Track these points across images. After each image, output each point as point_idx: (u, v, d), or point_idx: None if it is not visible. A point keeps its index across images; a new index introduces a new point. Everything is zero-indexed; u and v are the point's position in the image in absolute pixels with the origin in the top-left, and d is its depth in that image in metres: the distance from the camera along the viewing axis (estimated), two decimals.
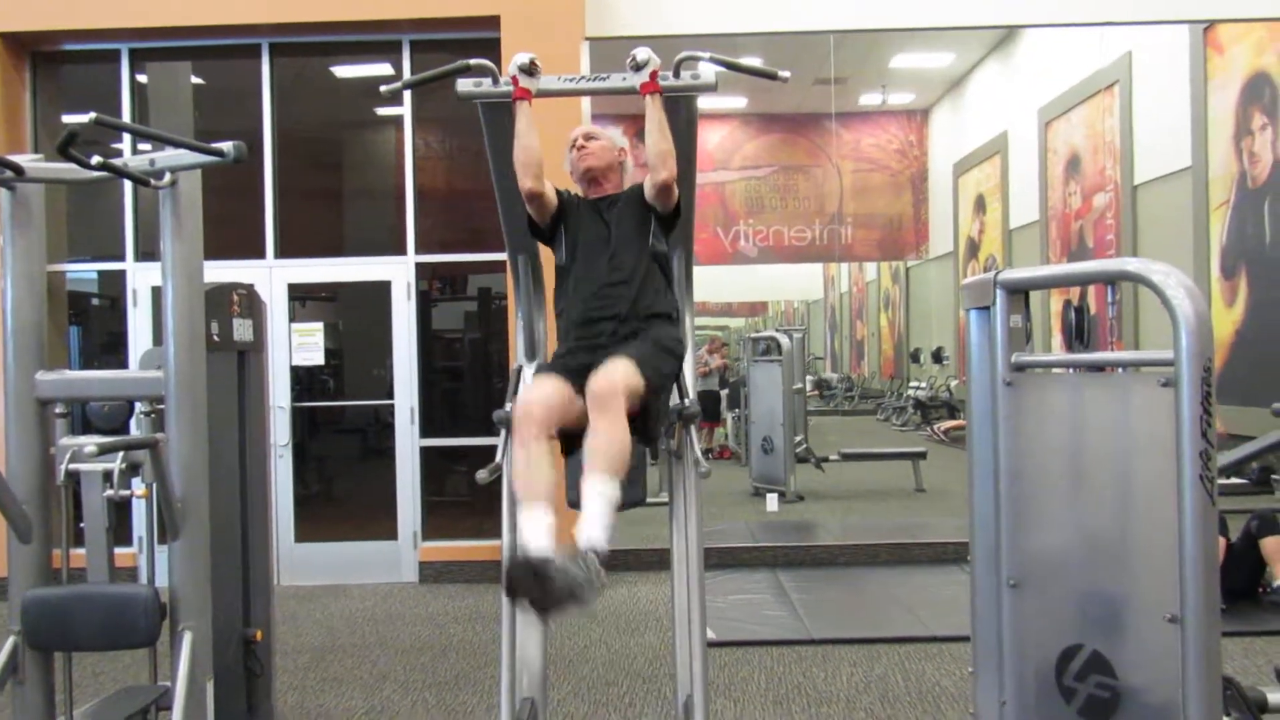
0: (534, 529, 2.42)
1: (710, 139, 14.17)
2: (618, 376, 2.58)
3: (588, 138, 3.09)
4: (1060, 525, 2.37)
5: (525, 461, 2.56)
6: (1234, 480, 6.69)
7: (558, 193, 3.01)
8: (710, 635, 4.00)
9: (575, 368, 2.74)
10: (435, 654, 4.82)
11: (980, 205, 13.17)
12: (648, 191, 2.95)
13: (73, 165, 2.64)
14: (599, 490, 2.46)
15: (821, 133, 14.34)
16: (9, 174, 2.79)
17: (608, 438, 2.53)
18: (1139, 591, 2.19)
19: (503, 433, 2.95)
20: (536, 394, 2.69)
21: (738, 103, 13.98)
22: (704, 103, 2.96)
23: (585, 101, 5.89)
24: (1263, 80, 7.40)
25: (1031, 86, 11.25)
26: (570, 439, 2.72)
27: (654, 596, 5.69)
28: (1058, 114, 10.67)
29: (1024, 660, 2.41)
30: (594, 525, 2.41)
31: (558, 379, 2.72)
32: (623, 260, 2.91)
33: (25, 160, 2.86)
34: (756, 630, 4.99)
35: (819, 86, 12.67)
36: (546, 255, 3.17)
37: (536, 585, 2.29)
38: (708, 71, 2.87)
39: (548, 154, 2.89)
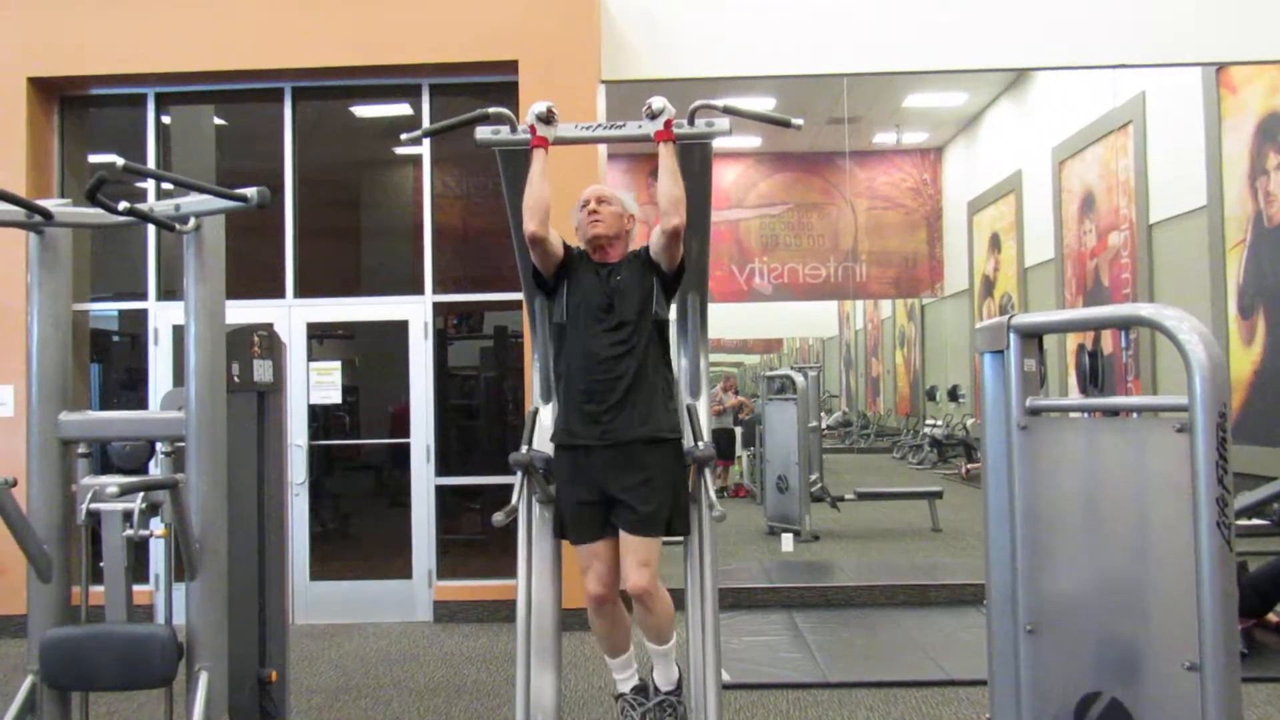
0: (625, 677, 3.25)
1: (725, 177, 14.28)
2: (645, 575, 2.99)
3: (600, 201, 3.09)
4: (1077, 570, 2.36)
5: (602, 627, 3.17)
6: (1255, 521, 6.60)
7: (566, 247, 3.04)
8: (725, 677, 3.98)
9: (592, 501, 3.02)
10: (449, 695, 4.80)
11: (995, 243, 13.18)
12: (655, 242, 2.98)
13: (100, 210, 2.70)
14: (660, 653, 3.18)
15: (836, 171, 14.43)
16: (38, 218, 2.85)
17: (656, 620, 3.09)
18: (1158, 638, 2.17)
19: (519, 474, 2.97)
20: (594, 575, 3.10)
21: (752, 142, 14.10)
22: (719, 142, 3.01)
23: (601, 145, 5.97)
24: (1276, 121, 7.41)
25: (1045, 126, 11.31)
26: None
27: None
28: (1071, 153, 10.71)
29: (1042, 707, 2.39)
30: (667, 671, 3.21)
31: (596, 546, 3.06)
32: (626, 334, 2.96)
33: (53, 205, 2.92)
34: (772, 672, 4.95)
35: (833, 126, 12.77)
36: None
37: None
38: (722, 119, 2.92)
39: (562, 198, 2.92)
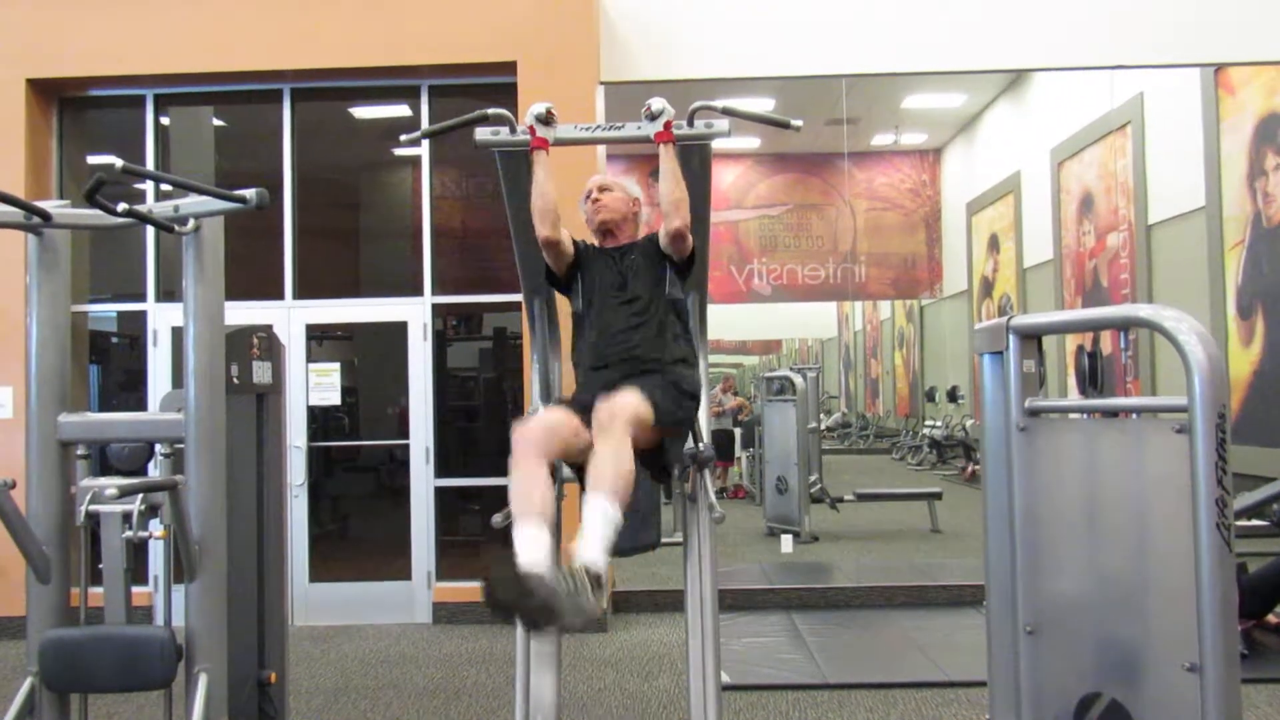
0: (527, 545, 2.39)
1: (724, 178, 14.28)
2: (622, 402, 2.61)
3: (602, 189, 3.12)
4: (1077, 571, 2.37)
5: (520, 480, 2.54)
6: (1254, 522, 6.60)
7: (575, 242, 3.05)
8: (725, 679, 3.98)
9: (587, 403, 2.74)
10: (448, 697, 4.79)
11: (994, 244, 13.19)
12: (662, 240, 2.99)
13: (99, 211, 2.69)
14: (600, 509, 2.43)
15: (835, 172, 14.43)
16: (36, 220, 2.85)
17: (611, 459, 2.51)
18: (1157, 639, 2.17)
19: None
20: (538, 419, 2.73)
21: (751, 143, 14.10)
22: (718, 143, 3.01)
23: (600, 145, 5.97)
24: (1275, 121, 7.42)
25: (1043, 127, 11.31)
26: (584, 472, 2.67)
27: (668, 639, 5.65)
28: (1070, 154, 10.71)
29: (1042, 707, 2.39)
30: (592, 544, 2.38)
31: (565, 410, 2.76)
32: (640, 308, 2.95)
33: (52, 206, 2.91)
34: (772, 674, 4.95)
35: (832, 127, 12.78)
36: (562, 298, 3.21)
37: (518, 593, 2.22)
38: (721, 120, 2.92)
39: (564, 201, 2.93)
